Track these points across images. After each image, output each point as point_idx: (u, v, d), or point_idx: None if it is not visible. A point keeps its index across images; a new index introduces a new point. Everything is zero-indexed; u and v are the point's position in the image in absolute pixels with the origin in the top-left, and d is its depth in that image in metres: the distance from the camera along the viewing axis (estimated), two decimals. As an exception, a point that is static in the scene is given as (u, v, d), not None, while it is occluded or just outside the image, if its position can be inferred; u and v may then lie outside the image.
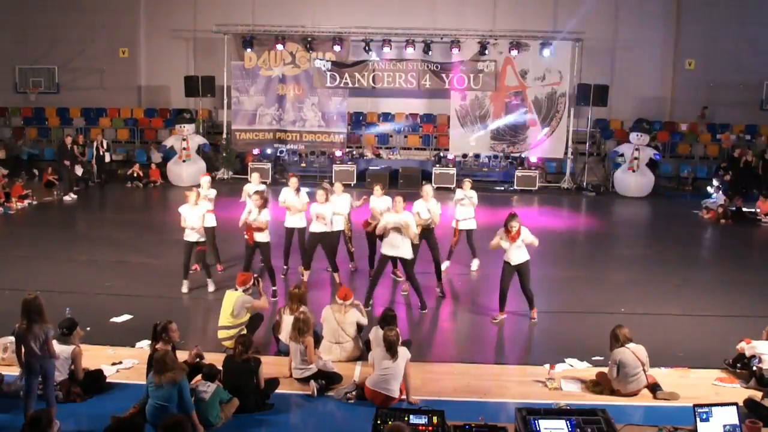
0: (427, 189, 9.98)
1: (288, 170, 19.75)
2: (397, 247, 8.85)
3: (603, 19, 20.36)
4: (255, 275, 8.27)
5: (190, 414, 5.61)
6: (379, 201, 10.20)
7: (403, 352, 6.55)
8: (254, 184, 10.80)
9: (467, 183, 11.19)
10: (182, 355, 6.60)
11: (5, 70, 21.44)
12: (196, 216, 9.51)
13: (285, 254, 10.45)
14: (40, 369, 5.86)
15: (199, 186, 10.69)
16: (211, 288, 9.69)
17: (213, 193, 10.47)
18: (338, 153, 19.48)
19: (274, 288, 9.49)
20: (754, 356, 6.93)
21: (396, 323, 7.16)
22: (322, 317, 7.49)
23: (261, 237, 9.30)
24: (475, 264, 10.98)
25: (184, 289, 9.62)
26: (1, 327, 7.37)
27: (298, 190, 10.30)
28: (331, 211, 9.81)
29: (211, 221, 10.17)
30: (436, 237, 9.72)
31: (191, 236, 9.54)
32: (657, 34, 20.75)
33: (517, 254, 8.53)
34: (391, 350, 6.44)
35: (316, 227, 9.73)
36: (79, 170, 17.33)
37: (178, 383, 5.67)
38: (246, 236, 9.38)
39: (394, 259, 9.18)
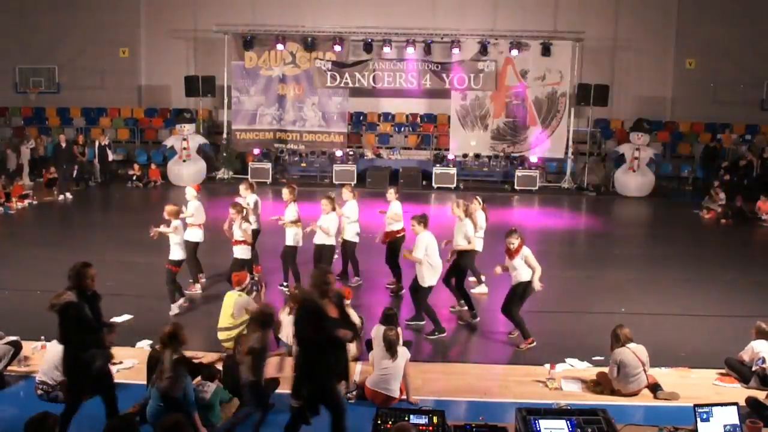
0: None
1: (288, 170, 19.78)
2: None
3: (603, 19, 20.37)
4: (255, 279, 8.22)
5: (192, 415, 5.59)
6: (393, 205, 9.94)
7: (403, 352, 6.55)
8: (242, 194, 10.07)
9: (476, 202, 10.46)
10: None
11: (5, 70, 21.44)
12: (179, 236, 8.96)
13: (285, 271, 9.79)
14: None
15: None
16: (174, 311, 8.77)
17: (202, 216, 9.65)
18: (338, 153, 19.49)
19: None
20: (753, 358, 6.93)
21: (397, 322, 7.15)
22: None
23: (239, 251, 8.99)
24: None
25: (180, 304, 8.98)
26: (1, 327, 7.35)
27: (294, 201, 9.55)
28: (334, 222, 9.39)
29: (196, 236, 9.51)
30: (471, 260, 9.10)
31: (175, 256, 8.92)
32: (657, 34, 20.74)
33: (516, 274, 7.89)
34: (391, 349, 6.44)
35: (318, 239, 9.33)
36: (74, 171, 17.36)
37: (182, 387, 5.66)
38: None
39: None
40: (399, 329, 7.32)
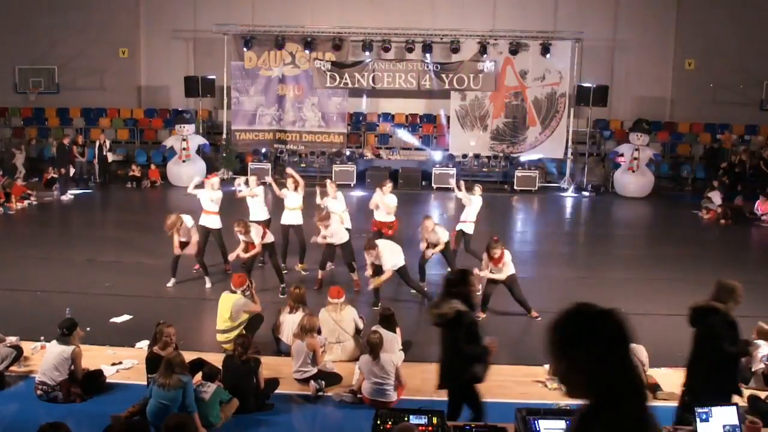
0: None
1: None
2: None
3: (603, 19, 20.36)
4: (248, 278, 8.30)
5: (192, 415, 5.60)
6: (387, 198, 10.39)
7: (387, 358, 6.48)
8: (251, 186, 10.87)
9: (477, 189, 10.94)
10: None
11: (5, 70, 21.41)
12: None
13: (282, 253, 10.47)
14: None
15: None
16: (207, 284, 9.88)
17: (219, 195, 10.39)
18: (347, 152, 19.57)
19: (282, 285, 9.53)
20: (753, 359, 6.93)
21: (395, 322, 7.17)
22: (320, 320, 7.43)
23: (265, 239, 9.46)
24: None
25: (170, 284, 9.89)
26: (1, 327, 7.35)
27: (297, 188, 10.48)
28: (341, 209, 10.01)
29: (215, 223, 10.22)
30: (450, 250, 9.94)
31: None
32: (657, 34, 20.74)
33: (501, 271, 8.65)
34: (373, 352, 6.41)
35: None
36: (71, 171, 17.37)
37: (184, 385, 5.67)
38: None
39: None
40: (398, 330, 7.33)
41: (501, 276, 8.63)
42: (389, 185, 10.75)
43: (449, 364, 5.28)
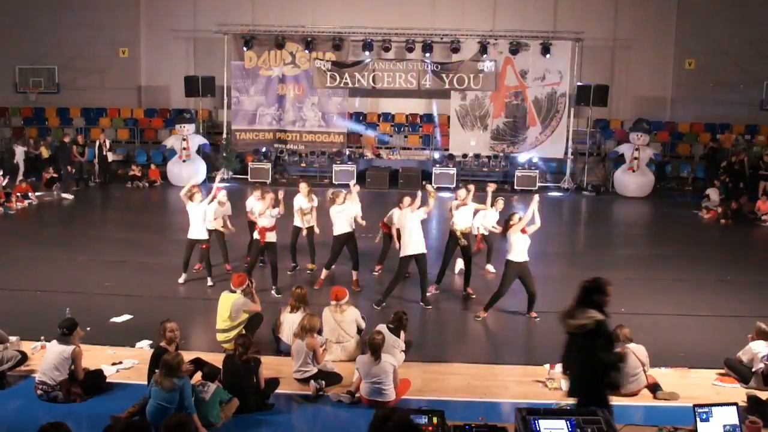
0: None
1: (288, 171, 19.80)
2: (420, 243, 9.01)
3: (603, 19, 20.36)
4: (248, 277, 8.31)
5: (191, 416, 5.60)
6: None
7: (388, 359, 6.49)
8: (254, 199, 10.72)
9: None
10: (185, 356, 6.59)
11: (5, 70, 21.42)
12: (199, 212, 9.72)
13: (292, 253, 10.58)
14: None
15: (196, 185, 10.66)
16: (209, 283, 9.90)
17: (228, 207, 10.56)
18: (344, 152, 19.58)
19: (276, 287, 9.54)
20: (752, 359, 6.93)
21: (404, 326, 7.18)
22: (322, 319, 7.46)
23: (271, 237, 9.50)
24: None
25: (181, 280, 9.94)
26: (2, 327, 7.35)
27: (309, 193, 10.52)
28: (352, 212, 9.90)
29: (216, 223, 10.26)
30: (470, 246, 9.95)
31: (194, 234, 9.75)
32: (657, 34, 20.75)
33: (522, 251, 8.64)
34: (376, 353, 6.40)
35: (339, 229, 9.78)
36: (71, 171, 17.39)
37: (180, 388, 5.67)
38: (258, 237, 9.54)
39: (415, 258, 9.08)
40: (403, 334, 7.31)
41: (523, 257, 8.63)
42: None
43: (586, 372, 5.21)
